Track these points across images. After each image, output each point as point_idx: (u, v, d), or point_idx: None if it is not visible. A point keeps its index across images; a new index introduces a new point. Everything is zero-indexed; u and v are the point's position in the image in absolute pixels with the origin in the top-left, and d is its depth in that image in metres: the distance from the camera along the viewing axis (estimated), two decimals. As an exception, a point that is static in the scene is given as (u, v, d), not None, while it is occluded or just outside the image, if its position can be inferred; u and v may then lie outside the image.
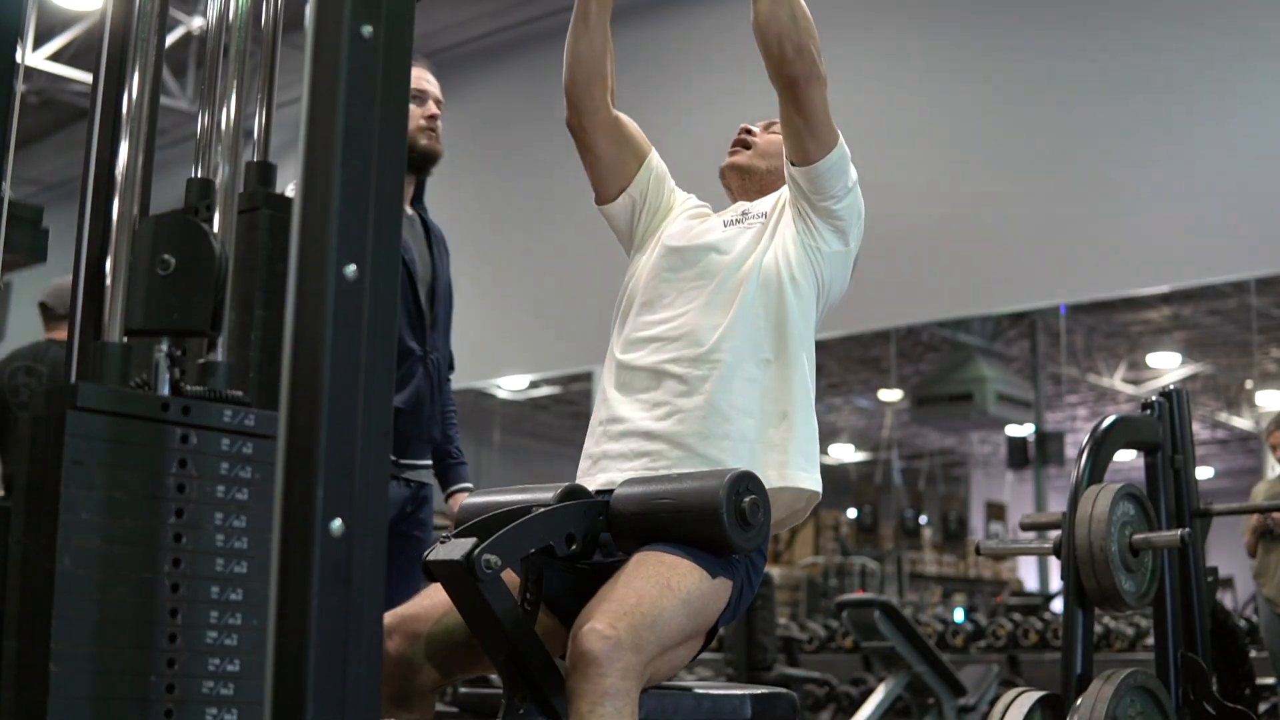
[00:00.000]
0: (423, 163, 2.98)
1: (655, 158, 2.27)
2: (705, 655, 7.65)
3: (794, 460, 1.98)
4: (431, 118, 2.95)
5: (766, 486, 1.84)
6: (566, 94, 2.19)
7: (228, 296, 1.36)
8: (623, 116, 2.24)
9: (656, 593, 1.70)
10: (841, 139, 2.12)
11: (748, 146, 2.32)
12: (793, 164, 2.11)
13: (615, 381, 2.09)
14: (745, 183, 2.31)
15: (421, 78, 2.94)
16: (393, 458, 2.72)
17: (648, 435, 1.99)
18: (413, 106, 2.91)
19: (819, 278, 2.10)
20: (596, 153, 2.21)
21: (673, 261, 2.14)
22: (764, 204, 2.21)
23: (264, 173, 1.56)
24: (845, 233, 2.13)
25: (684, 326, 2.05)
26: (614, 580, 1.73)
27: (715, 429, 1.96)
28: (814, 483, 2.00)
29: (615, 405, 2.06)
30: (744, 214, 2.21)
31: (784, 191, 2.19)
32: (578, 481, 1.96)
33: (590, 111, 2.17)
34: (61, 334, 5.23)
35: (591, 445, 2.10)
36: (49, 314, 4.81)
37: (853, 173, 2.15)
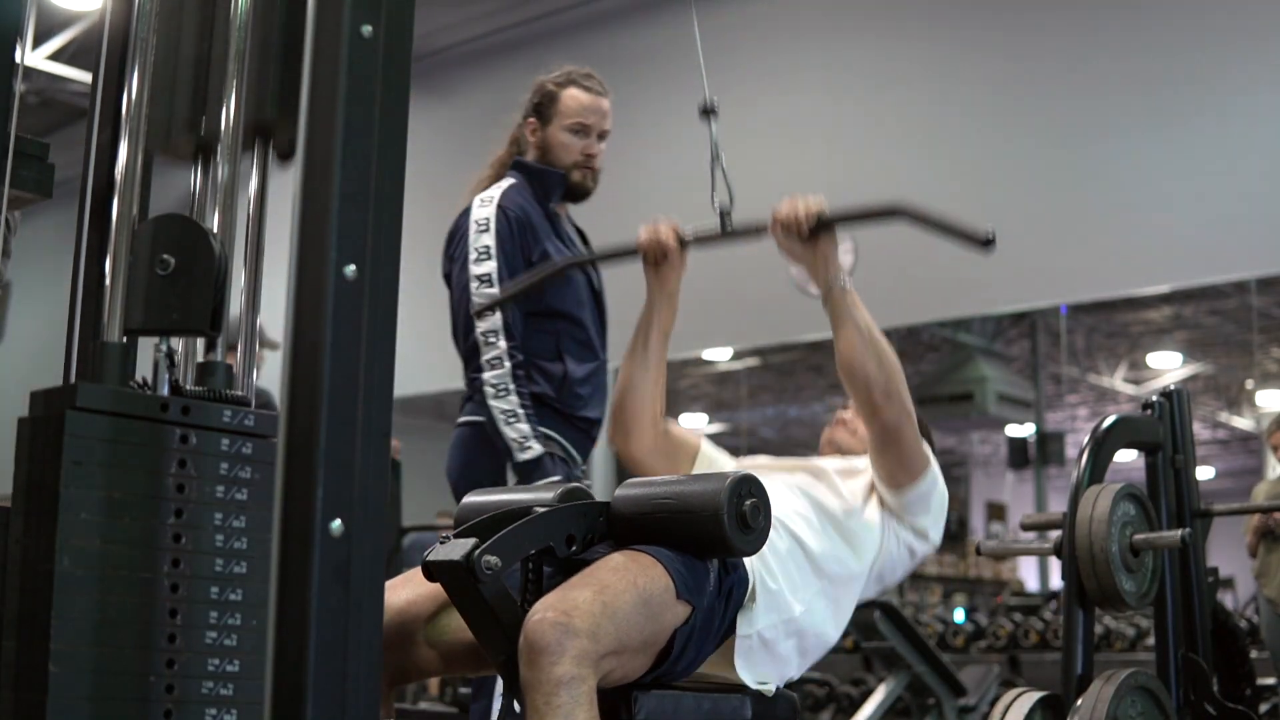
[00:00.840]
0: (572, 196, 2.93)
1: (705, 450, 2.29)
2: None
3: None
4: (590, 155, 2.90)
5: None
6: (614, 417, 2.24)
7: (228, 295, 1.36)
8: (670, 428, 2.27)
9: (621, 586, 1.65)
10: (932, 462, 2.13)
11: (847, 427, 2.37)
12: (882, 483, 2.12)
13: None
14: (840, 445, 2.36)
15: (595, 109, 2.90)
16: None
17: None
18: (575, 138, 2.89)
19: (884, 558, 2.11)
20: (647, 469, 2.23)
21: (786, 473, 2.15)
22: (857, 461, 2.22)
23: None
24: (925, 538, 2.15)
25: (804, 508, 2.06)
26: (581, 571, 1.70)
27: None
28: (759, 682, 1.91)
29: None
30: (841, 459, 2.25)
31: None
32: None
33: (638, 439, 2.22)
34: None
35: None
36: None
37: (941, 489, 2.16)
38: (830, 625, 2.00)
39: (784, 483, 2.07)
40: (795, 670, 1.95)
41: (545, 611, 1.58)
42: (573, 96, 2.90)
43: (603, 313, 2.93)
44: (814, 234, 2.10)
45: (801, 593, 1.94)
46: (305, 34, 1.10)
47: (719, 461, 2.29)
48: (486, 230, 2.79)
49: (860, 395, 2.08)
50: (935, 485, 2.14)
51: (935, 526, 2.17)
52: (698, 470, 2.26)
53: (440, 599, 1.80)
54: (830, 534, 2.03)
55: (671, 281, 2.25)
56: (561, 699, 1.52)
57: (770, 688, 1.89)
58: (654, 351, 2.23)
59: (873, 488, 2.14)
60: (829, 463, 2.20)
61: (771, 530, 1.90)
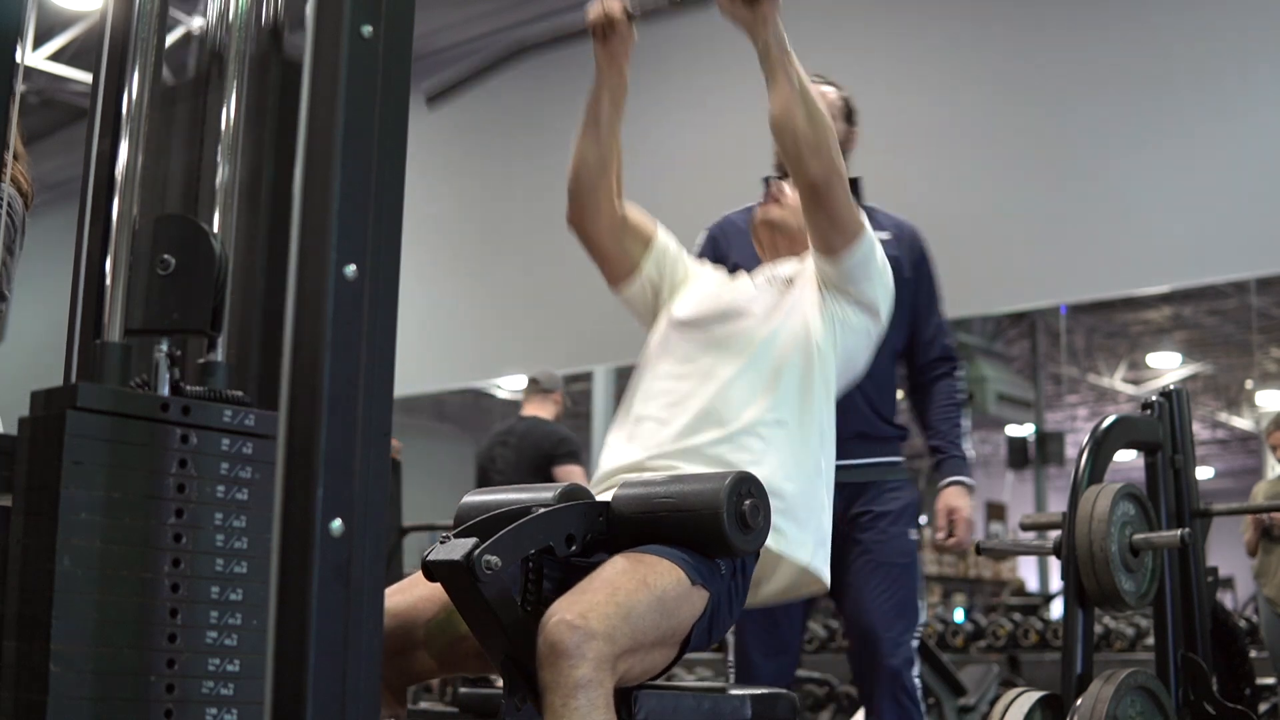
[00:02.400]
0: None
1: (662, 238, 2.26)
2: (705, 655, 7.65)
3: (806, 540, 1.95)
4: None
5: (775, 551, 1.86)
6: (570, 193, 2.19)
7: (228, 294, 1.36)
8: (628, 210, 2.23)
9: (632, 586, 1.66)
10: (866, 226, 2.11)
11: (779, 203, 2.31)
12: (818, 254, 2.10)
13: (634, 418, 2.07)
14: (776, 239, 2.31)
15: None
16: None
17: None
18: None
19: (840, 348, 2.08)
20: (599, 248, 2.21)
21: (690, 330, 2.11)
22: (786, 269, 2.20)
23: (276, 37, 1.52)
24: (875, 314, 2.12)
25: (709, 400, 2.01)
26: (591, 574, 1.70)
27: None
28: (823, 571, 1.95)
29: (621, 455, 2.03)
30: (769, 279, 2.20)
31: (805, 262, 2.18)
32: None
33: (593, 216, 2.19)
34: (537, 409, 5.32)
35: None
36: (534, 388, 5.02)
37: (880, 255, 2.13)
38: (822, 454, 2.02)
39: (725, 348, 2.05)
40: (827, 524, 2.00)
41: (564, 614, 1.59)
42: None
43: None
44: None
45: (785, 465, 1.95)
46: (305, 34, 1.10)
47: (675, 263, 2.25)
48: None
49: (789, 150, 2.05)
50: (873, 250, 2.11)
51: (883, 299, 2.13)
52: (651, 263, 2.23)
53: (439, 600, 1.81)
54: (783, 385, 2.01)
55: (620, 55, 2.21)
56: (579, 701, 1.54)
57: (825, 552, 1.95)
58: (606, 123, 2.19)
59: (801, 281, 2.12)
60: (750, 294, 2.14)
61: (736, 422, 1.93)
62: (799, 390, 2.02)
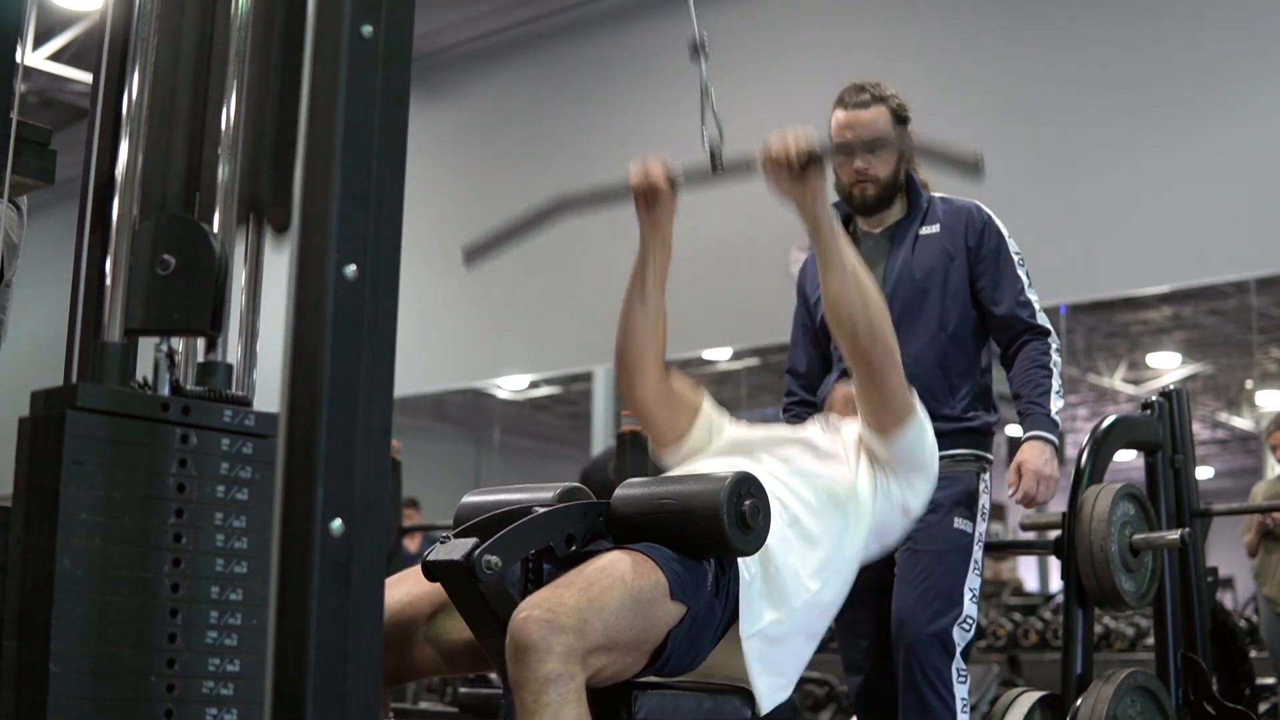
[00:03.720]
0: (863, 211, 2.76)
1: (708, 408, 2.27)
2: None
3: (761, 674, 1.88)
4: (858, 171, 2.70)
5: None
6: (618, 360, 2.21)
7: (228, 295, 1.36)
8: (674, 380, 2.25)
9: (607, 582, 1.64)
10: (918, 408, 2.12)
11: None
12: (870, 429, 2.10)
13: None
14: (846, 411, 2.33)
15: (849, 124, 2.68)
16: None
17: None
18: (843, 159, 2.70)
19: (877, 519, 2.08)
20: (648, 416, 2.23)
21: (763, 443, 2.14)
22: (848, 426, 2.20)
23: None
24: (913, 496, 2.12)
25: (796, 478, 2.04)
26: (569, 571, 1.69)
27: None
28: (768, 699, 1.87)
29: None
30: (830, 425, 2.22)
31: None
32: None
33: (640, 382, 2.20)
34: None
35: None
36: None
37: (930, 439, 2.14)
38: (834, 596, 1.99)
39: (776, 456, 2.06)
40: (807, 656, 1.95)
41: (531, 610, 1.58)
42: (834, 119, 2.73)
43: None
44: (804, 170, 2.07)
45: (803, 576, 1.93)
46: (305, 35, 1.10)
47: (720, 425, 2.27)
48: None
49: (845, 335, 2.07)
50: (924, 434, 2.12)
51: (927, 480, 2.14)
52: (698, 430, 2.24)
53: (438, 598, 1.80)
54: (825, 503, 2.01)
55: (664, 221, 2.22)
56: (550, 696, 1.52)
57: (786, 693, 1.88)
58: (652, 294, 2.20)
59: (861, 446, 2.12)
60: (814, 433, 2.18)
61: (775, 507, 1.90)
62: (839, 528, 2.02)
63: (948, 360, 2.70)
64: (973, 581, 2.52)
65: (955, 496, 2.61)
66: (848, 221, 2.79)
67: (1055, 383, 2.76)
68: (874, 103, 2.66)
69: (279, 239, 1.42)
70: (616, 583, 1.66)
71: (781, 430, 2.23)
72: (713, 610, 1.79)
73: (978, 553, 2.58)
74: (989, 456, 2.73)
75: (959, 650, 2.48)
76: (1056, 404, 2.74)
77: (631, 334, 2.20)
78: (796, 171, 2.06)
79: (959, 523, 2.57)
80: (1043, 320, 2.79)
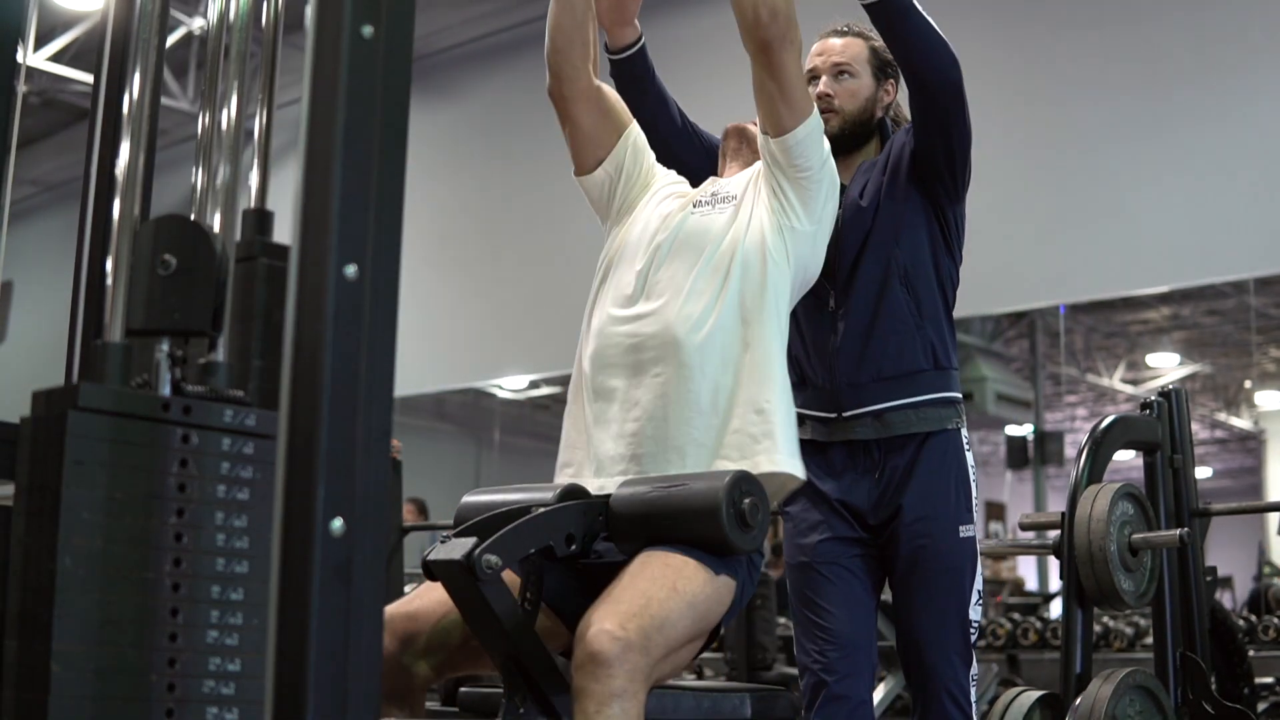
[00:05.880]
0: (839, 145, 2.45)
1: (635, 130, 2.25)
2: (705, 655, 7.64)
3: (780, 447, 1.95)
4: (822, 96, 2.51)
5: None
6: (548, 61, 2.18)
7: (228, 298, 1.36)
8: (604, 87, 2.22)
9: (664, 595, 1.69)
10: (816, 110, 2.11)
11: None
12: (767, 135, 2.09)
13: (592, 371, 2.10)
14: (742, 148, 2.32)
15: (816, 53, 2.55)
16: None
17: (634, 438, 1.98)
18: (811, 87, 2.49)
19: (792, 256, 2.07)
20: (576, 122, 2.20)
21: (647, 247, 2.13)
22: (733, 184, 2.19)
23: (261, 221, 1.52)
24: (819, 207, 2.11)
25: (661, 320, 2.03)
26: (619, 581, 1.73)
27: (694, 426, 1.96)
28: (797, 469, 1.96)
29: (594, 411, 2.05)
30: (713, 195, 2.19)
31: (754, 169, 2.18)
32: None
33: (570, 78, 2.16)
34: None
35: (573, 451, 2.07)
36: None
37: (826, 146, 2.13)
38: (784, 375, 2.01)
39: (678, 260, 2.07)
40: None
41: (603, 623, 1.62)
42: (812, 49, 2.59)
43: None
44: None
45: (751, 377, 1.97)
46: (305, 34, 1.10)
47: (646, 165, 2.26)
48: None
49: (745, 11, 2.03)
50: (820, 132, 2.10)
51: (824, 190, 2.12)
52: (621, 153, 2.23)
53: (428, 619, 1.84)
54: (737, 282, 2.03)
55: None
56: (613, 710, 1.58)
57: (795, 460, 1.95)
58: None
59: (753, 192, 2.12)
60: (704, 220, 2.14)
61: (696, 350, 1.95)
62: (758, 293, 2.02)
63: (909, 279, 2.47)
64: (978, 583, 2.49)
65: (956, 496, 2.44)
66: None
67: None
68: (851, 35, 2.56)
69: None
70: (672, 592, 1.71)
71: (679, 219, 2.15)
72: (750, 570, 1.88)
73: (979, 548, 2.50)
74: (960, 397, 2.52)
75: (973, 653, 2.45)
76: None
77: (558, 31, 2.16)
78: None
79: (964, 530, 2.45)
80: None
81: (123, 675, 1.22)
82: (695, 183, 2.42)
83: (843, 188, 2.45)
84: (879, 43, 2.55)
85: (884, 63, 2.58)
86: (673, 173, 2.31)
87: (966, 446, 2.51)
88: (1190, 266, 7.12)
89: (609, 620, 1.62)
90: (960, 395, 2.52)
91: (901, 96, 2.61)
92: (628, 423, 1.98)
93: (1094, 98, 7.10)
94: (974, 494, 2.50)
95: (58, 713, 1.18)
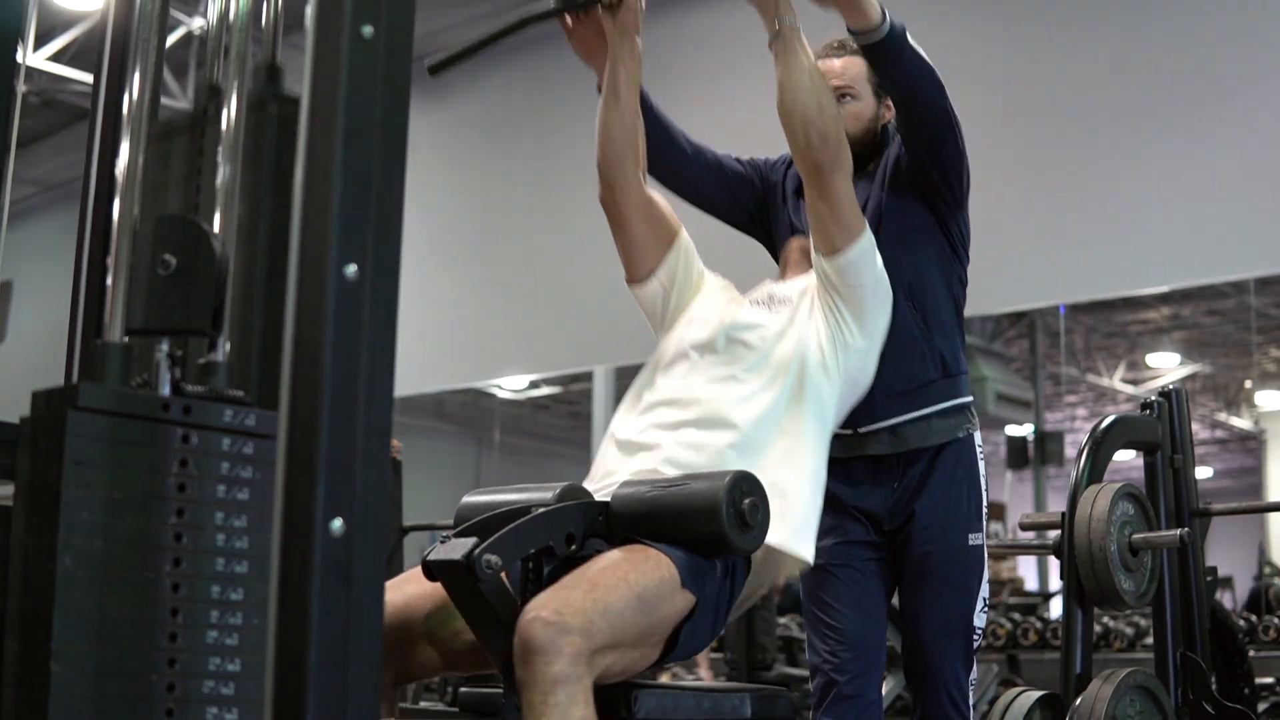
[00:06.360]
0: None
1: (684, 237, 2.27)
2: (704, 655, 7.64)
3: (793, 527, 1.94)
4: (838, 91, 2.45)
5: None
6: (600, 170, 2.20)
7: (228, 296, 1.36)
8: (655, 196, 2.24)
9: (611, 582, 1.66)
10: (867, 228, 2.13)
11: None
12: (820, 253, 2.11)
13: (624, 435, 2.06)
14: (803, 260, 2.32)
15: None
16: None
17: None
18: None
19: (843, 370, 2.08)
20: (629, 232, 2.21)
21: (698, 340, 2.13)
22: (790, 289, 2.20)
23: (272, 74, 1.51)
24: (872, 323, 2.12)
25: (703, 398, 2.02)
26: (573, 571, 1.70)
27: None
28: (805, 551, 1.95)
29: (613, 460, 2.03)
30: (770, 297, 2.20)
31: (810, 279, 2.19)
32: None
33: (623, 189, 2.19)
34: None
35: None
36: None
37: (878, 262, 2.15)
38: (811, 465, 2.00)
39: (735, 359, 2.06)
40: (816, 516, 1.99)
41: (538, 611, 1.58)
42: None
43: None
44: None
45: (781, 462, 1.96)
46: (306, 34, 1.10)
47: (696, 270, 2.26)
48: None
49: (797, 136, 2.07)
50: (872, 249, 2.12)
51: (878, 308, 2.13)
52: (674, 262, 2.23)
53: (439, 598, 1.81)
54: (790, 381, 2.03)
55: (629, 22, 2.20)
56: (558, 697, 1.53)
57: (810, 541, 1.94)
58: (625, 99, 2.19)
59: (810, 294, 2.13)
60: (762, 322, 2.14)
61: (741, 418, 1.93)
62: (804, 398, 2.02)
63: (914, 295, 2.47)
64: (984, 591, 2.52)
65: (968, 503, 2.51)
66: None
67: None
68: (850, 53, 2.52)
69: None
70: (621, 581, 1.66)
71: (733, 317, 2.16)
72: (722, 591, 1.82)
73: (986, 556, 2.54)
74: (970, 400, 2.55)
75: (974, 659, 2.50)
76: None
77: (609, 140, 2.18)
78: None
79: (973, 538, 2.50)
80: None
81: (123, 675, 1.22)
82: (712, 211, 2.48)
83: None
84: None
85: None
86: (720, 276, 2.33)
87: (979, 452, 2.56)
88: (1190, 266, 7.12)
89: (545, 608, 1.58)
90: (970, 398, 2.55)
91: None
92: (652, 461, 1.98)
93: (1094, 98, 7.10)
94: (984, 501, 2.55)
95: (58, 713, 1.18)
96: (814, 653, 2.47)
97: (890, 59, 2.34)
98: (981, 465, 2.56)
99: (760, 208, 2.63)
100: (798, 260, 2.36)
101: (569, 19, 2.27)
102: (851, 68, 2.53)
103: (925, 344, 2.46)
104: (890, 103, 2.57)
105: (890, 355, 2.38)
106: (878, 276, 2.14)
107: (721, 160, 2.62)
